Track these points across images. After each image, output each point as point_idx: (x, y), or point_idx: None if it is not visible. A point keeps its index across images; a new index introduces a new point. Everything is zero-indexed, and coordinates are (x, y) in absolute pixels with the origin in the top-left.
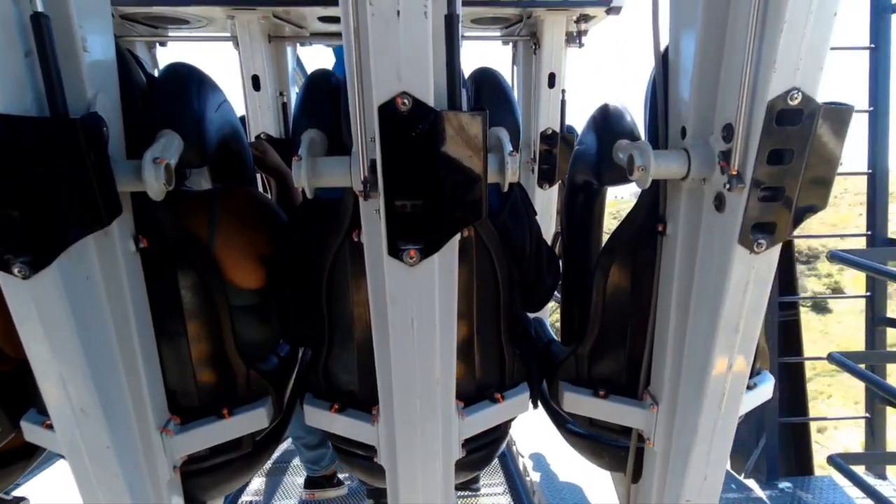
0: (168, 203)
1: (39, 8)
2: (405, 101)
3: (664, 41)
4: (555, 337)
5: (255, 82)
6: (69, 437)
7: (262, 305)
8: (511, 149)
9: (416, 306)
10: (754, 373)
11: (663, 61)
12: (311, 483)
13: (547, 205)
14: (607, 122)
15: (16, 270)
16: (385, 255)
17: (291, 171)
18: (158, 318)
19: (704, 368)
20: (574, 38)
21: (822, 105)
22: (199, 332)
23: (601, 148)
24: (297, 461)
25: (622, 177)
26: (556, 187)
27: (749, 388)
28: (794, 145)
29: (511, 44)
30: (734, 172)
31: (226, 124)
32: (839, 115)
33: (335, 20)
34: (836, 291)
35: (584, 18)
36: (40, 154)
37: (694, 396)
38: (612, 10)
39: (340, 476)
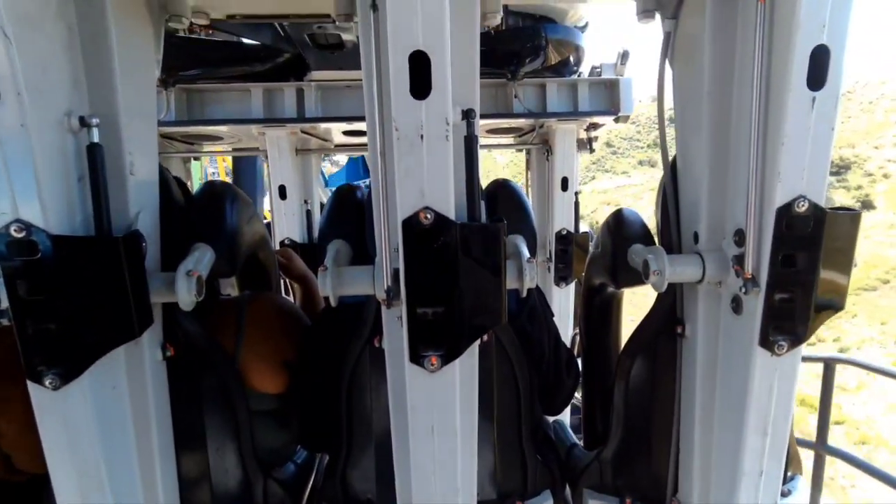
0: (196, 312)
1: (95, 139)
2: (428, 215)
3: (671, 150)
4: (577, 441)
5: (282, 192)
6: None
7: (282, 410)
8: (528, 255)
9: (436, 413)
10: (787, 478)
11: (672, 168)
12: None
13: (564, 303)
14: (621, 227)
15: (47, 382)
16: (407, 362)
17: (316, 278)
18: (178, 427)
19: (734, 475)
20: (584, 144)
21: (829, 210)
22: (218, 440)
23: (616, 251)
24: None
25: (637, 279)
26: (572, 286)
27: (783, 494)
28: (805, 249)
29: (525, 150)
30: (749, 276)
31: (255, 235)
32: (848, 219)
33: (358, 133)
34: (866, 205)
35: (594, 126)
36: (83, 270)
37: (726, 498)
38: (621, 119)
39: None
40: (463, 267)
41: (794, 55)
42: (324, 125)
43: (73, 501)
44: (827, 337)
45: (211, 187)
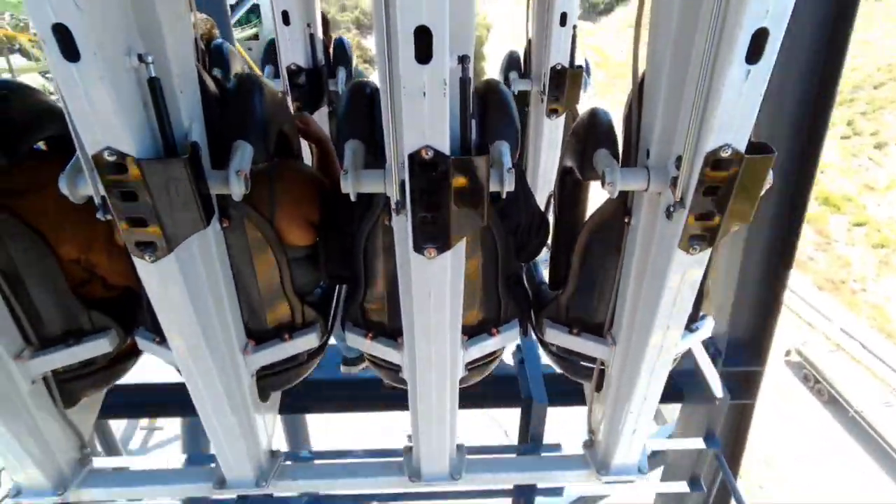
0: None
1: (153, 73)
2: (428, 151)
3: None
4: (545, 279)
5: (285, 17)
6: (180, 354)
7: (311, 256)
8: (510, 165)
9: (433, 286)
10: (698, 318)
11: (640, 87)
12: (347, 361)
13: (554, 133)
14: (593, 128)
15: (146, 257)
16: (410, 250)
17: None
18: (237, 274)
19: (651, 322)
20: None
21: (747, 156)
22: (266, 280)
23: (585, 149)
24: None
25: (598, 177)
26: (562, 118)
27: (691, 330)
28: (724, 183)
29: None
30: (678, 199)
31: (280, 116)
32: (760, 162)
33: None
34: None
35: None
36: (161, 182)
37: (643, 341)
38: None
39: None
40: (454, 188)
41: (740, 32)
42: None
43: (174, 328)
44: None
45: (241, 82)
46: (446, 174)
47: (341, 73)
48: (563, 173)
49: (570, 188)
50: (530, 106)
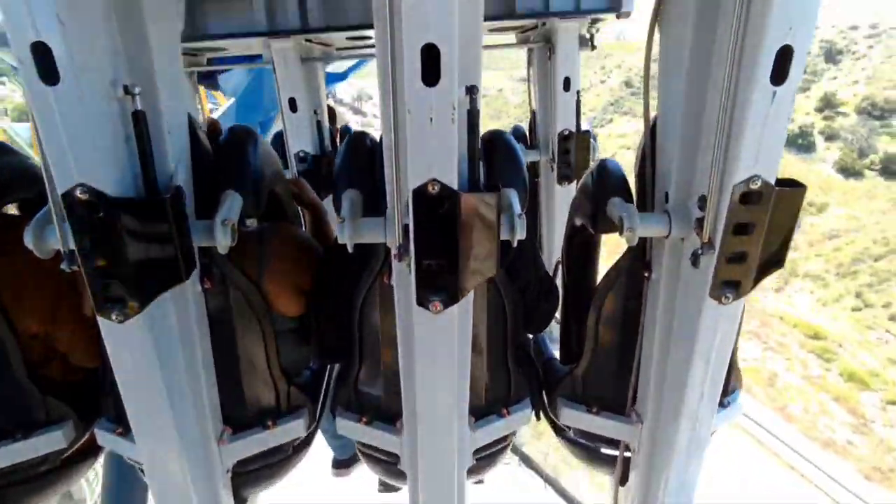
0: None
1: (139, 106)
2: (435, 186)
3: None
4: (554, 354)
5: (292, 105)
6: (145, 443)
7: (300, 329)
8: (520, 211)
9: (438, 346)
10: (729, 392)
11: (652, 131)
12: (338, 464)
13: (566, 200)
14: (603, 178)
15: (113, 316)
16: (413, 304)
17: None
18: (216, 347)
19: (682, 391)
20: (586, 42)
21: (777, 188)
22: (248, 355)
23: (597, 201)
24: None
25: (614, 227)
26: (573, 184)
27: (723, 406)
28: (755, 220)
29: (526, 50)
30: (706, 240)
31: (273, 172)
32: (792, 196)
33: (362, 38)
34: None
35: (595, 22)
36: (138, 226)
37: (673, 415)
38: (622, 15)
39: None
40: (463, 228)
41: (762, 53)
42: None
43: (138, 409)
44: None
45: (234, 134)
46: (455, 211)
47: None
48: (572, 234)
49: (579, 249)
50: (540, 176)
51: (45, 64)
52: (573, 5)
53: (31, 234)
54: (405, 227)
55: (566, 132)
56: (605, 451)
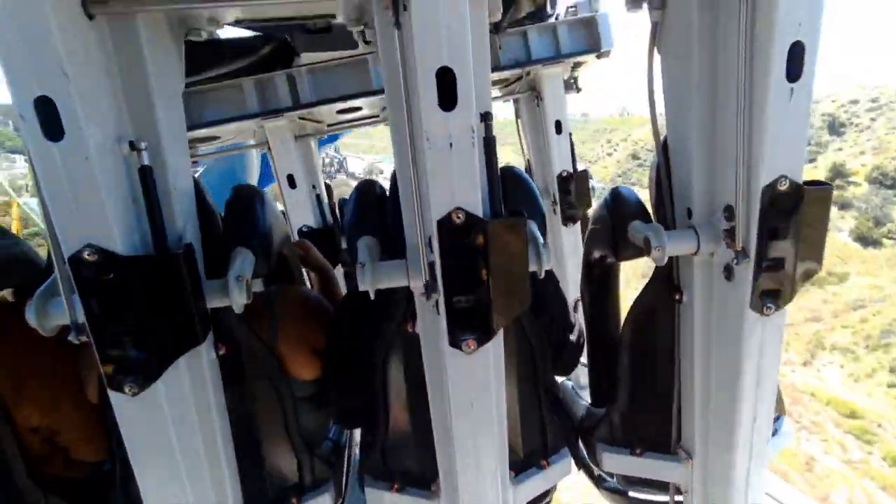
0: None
1: (146, 161)
2: (459, 215)
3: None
4: (581, 398)
5: (291, 181)
6: None
7: (317, 393)
8: (543, 241)
9: (474, 390)
10: (773, 419)
11: (664, 149)
12: None
13: (573, 241)
14: (619, 204)
15: (126, 389)
16: (445, 346)
17: (331, 267)
18: (233, 417)
19: (732, 421)
20: (571, 85)
21: (806, 187)
22: (268, 426)
23: (616, 227)
24: None
25: (637, 252)
26: (577, 225)
27: (772, 433)
28: (788, 222)
29: (513, 100)
30: (739, 249)
31: (282, 234)
32: (821, 195)
33: (351, 110)
34: None
35: (578, 65)
36: (150, 286)
37: (725, 447)
38: (602, 55)
39: None
40: (493, 258)
41: (774, 50)
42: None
43: (155, 491)
44: None
45: (241, 192)
46: (483, 240)
47: None
48: (589, 268)
49: (599, 282)
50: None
51: (49, 119)
52: (553, 51)
53: (34, 310)
54: (430, 265)
55: (564, 173)
56: (653, 497)
